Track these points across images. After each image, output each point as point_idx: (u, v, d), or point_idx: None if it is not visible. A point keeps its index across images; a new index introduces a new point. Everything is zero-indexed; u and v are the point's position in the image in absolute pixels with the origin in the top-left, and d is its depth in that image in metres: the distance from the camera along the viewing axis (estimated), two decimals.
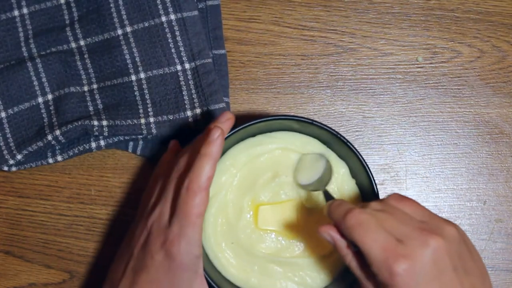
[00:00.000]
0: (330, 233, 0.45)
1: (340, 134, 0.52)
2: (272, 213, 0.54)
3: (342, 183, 0.55)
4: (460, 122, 0.61)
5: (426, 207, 0.59)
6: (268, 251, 0.54)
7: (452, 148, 0.61)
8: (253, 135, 0.55)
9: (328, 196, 0.51)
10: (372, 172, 0.52)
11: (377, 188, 0.52)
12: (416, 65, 0.61)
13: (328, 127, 0.52)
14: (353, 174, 0.55)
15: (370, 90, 0.61)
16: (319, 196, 0.54)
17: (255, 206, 0.54)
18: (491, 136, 0.61)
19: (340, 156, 0.55)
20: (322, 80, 0.61)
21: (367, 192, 0.53)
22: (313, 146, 0.55)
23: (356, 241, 0.43)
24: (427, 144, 0.61)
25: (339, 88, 0.61)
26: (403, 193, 0.60)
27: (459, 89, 0.61)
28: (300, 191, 0.54)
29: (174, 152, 0.54)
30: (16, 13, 0.59)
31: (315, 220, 0.54)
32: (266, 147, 0.54)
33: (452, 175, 0.60)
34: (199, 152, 0.46)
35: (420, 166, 0.60)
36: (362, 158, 0.52)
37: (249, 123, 0.52)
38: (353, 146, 0.52)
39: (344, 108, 0.61)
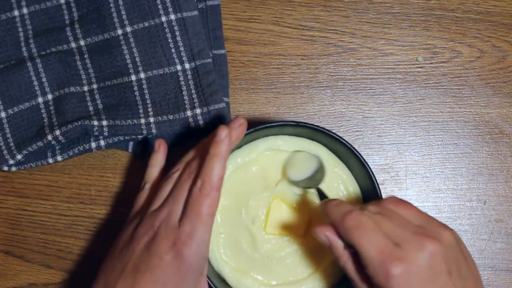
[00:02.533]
0: (326, 233, 0.45)
1: (339, 136, 0.52)
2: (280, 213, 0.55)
3: (346, 185, 0.55)
4: (460, 122, 0.61)
5: (425, 209, 0.59)
6: (270, 249, 0.54)
7: (452, 148, 0.61)
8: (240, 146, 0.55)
9: (321, 194, 0.51)
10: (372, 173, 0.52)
11: (380, 192, 0.52)
12: (416, 65, 0.61)
13: (326, 129, 0.52)
14: (356, 177, 0.55)
15: (370, 90, 0.61)
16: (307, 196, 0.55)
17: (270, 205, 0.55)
18: (491, 136, 0.61)
19: (342, 159, 0.55)
20: (322, 80, 0.61)
21: (369, 195, 0.54)
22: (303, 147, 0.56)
23: (353, 243, 0.43)
24: (427, 144, 0.61)
25: (339, 88, 0.61)
26: (403, 193, 0.60)
27: (459, 89, 0.61)
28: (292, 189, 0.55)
29: (163, 152, 0.54)
30: (16, 13, 0.59)
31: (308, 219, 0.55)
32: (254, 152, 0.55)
33: (452, 175, 0.60)
34: (209, 152, 0.47)
35: (420, 166, 0.60)
36: (366, 162, 0.52)
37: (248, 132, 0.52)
38: (354, 149, 0.52)
39: (344, 108, 0.61)
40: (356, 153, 0.52)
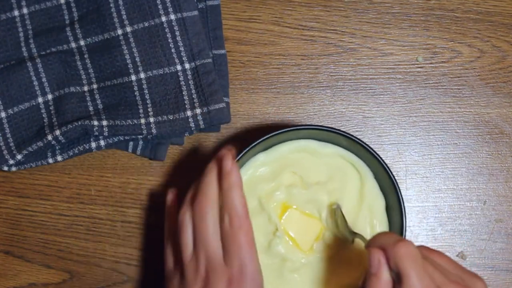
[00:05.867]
0: (380, 259, 0.43)
1: (383, 160, 0.53)
2: (298, 219, 0.55)
3: (374, 217, 0.55)
4: (460, 122, 0.61)
5: (425, 209, 0.59)
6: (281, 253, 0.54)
7: (452, 148, 0.61)
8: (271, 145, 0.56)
9: (363, 239, 0.51)
10: None
11: (405, 228, 0.52)
12: (416, 65, 0.61)
13: (355, 137, 0.53)
14: (388, 208, 0.55)
15: (370, 90, 0.61)
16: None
17: (285, 206, 0.55)
18: (491, 136, 0.61)
19: (382, 187, 0.55)
20: (322, 80, 0.61)
21: (394, 230, 0.54)
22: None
23: (402, 272, 0.41)
24: (427, 144, 0.60)
25: (339, 88, 0.61)
26: (403, 193, 0.60)
27: (459, 89, 0.61)
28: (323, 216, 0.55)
29: (175, 201, 0.54)
30: (16, 13, 0.59)
31: (332, 252, 0.54)
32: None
33: (452, 175, 0.60)
34: (222, 187, 0.47)
35: (420, 166, 0.60)
36: (401, 196, 0.52)
37: (271, 135, 0.52)
38: (396, 182, 0.52)
39: (344, 108, 0.61)
40: (398, 192, 0.52)
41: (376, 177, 0.55)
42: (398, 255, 0.42)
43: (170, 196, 0.55)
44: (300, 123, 0.60)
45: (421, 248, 0.45)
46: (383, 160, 0.52)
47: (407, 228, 0.59)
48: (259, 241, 0.54)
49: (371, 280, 0.42)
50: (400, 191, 0.52)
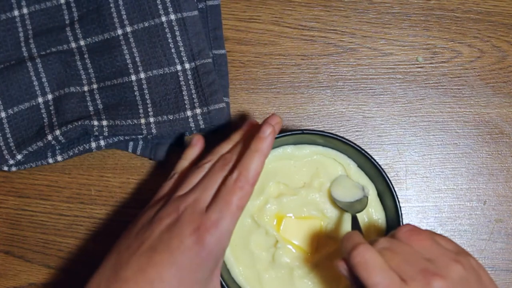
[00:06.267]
0: (347, 268, 0.43)
1: (368, 154, 0.52)
2: (295, 226, 0.55)
3: (369, 204, 0.55)
4: (460, 122, 0.61)
5: (425, 209, 0.59)
6: (285, 260, 0.54)
7: (452, 148, 0.61)
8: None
9: (354, 223, 0.51)
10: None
11: (401, 212, 0.52)
12: (416, 65, 0.61)
13: (349, 141, 0.53)
14: (381, 198, 0.55)
15: (370, 90, 0.61)
16: (342, 223, 0.55)
17: (279, 216, 0.55)
18: (491, 136, 0.61)
19: (370, 176, 0.55)
20: (322, 80, 0.61)
21: (391, 215, 0.54)
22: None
23: (361, 280, 0.42)
24: (427, 144, 0.61)
25: (339, 88, 0.61)
26: (403, 193, 0.60)
27: (459, 89, 0.61)
28: (325, 211, 0.55)
29: (200, 148, 0.54)
30: (16, 13, 0.59)
31: (334, 244, 0.54)
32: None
33: (452, 175, 0.60)
34: (250, 147, 0.47)
35: (420, 166, 0.60)
36: (390, 181, 0.52)
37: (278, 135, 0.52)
38: (381, 167, 0.52)
39: (344, 108, 0.61)
40: (386, 177, 0.52)
41: (361, 167, 0.55)
42: (353, 266, 0.42)
43: (197, 143, 0.54)
44: (299, 124, 0.60)
45: (400, 230, 0.45)
46: (362, 149, 0.53)
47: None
48: (263, 256, 0.54)
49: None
50: (387, 175, 0.52)
